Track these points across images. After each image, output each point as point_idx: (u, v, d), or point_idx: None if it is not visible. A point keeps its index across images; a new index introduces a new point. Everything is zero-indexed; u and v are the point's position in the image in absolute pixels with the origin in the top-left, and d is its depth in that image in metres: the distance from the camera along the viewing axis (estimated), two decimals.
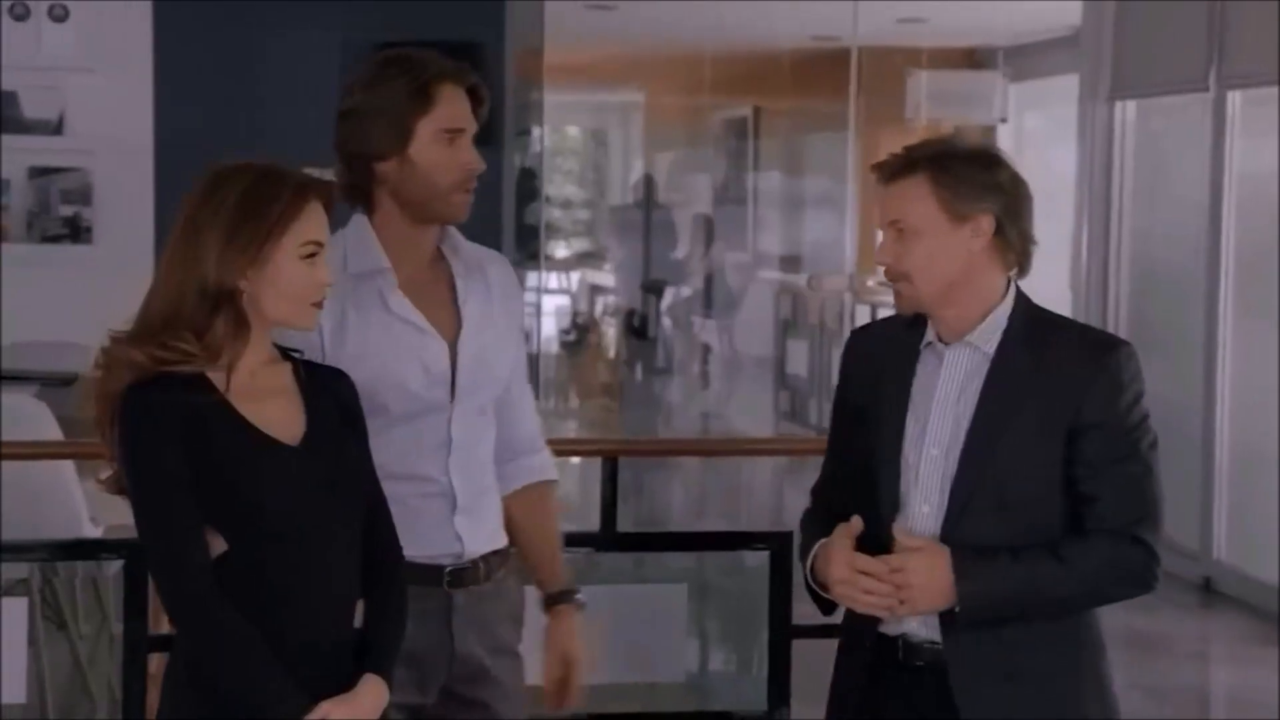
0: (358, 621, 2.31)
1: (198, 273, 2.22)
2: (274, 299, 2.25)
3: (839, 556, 2.37)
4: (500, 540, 2.66)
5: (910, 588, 2.33)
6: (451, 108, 2.52)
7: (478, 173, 2.56)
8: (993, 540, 2.36)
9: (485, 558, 2.61)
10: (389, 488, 2.49)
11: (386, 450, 2.51)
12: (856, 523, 2.39)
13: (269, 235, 2.22)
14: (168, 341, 2.21)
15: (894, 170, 2.40)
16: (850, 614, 2.47)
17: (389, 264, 2.54)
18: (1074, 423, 2.37)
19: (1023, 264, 2.44)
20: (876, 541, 2.40)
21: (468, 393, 2.57)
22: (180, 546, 2.20)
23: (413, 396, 2.53)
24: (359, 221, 2.58)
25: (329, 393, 2.34)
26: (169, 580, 2.22)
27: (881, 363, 2.47)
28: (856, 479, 2.46)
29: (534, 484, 2.72)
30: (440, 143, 2.51)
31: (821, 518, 2.49)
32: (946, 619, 2.37)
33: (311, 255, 2.26)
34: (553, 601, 2.69)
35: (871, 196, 11.86)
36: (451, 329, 2.57)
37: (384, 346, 2.53)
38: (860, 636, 2.45)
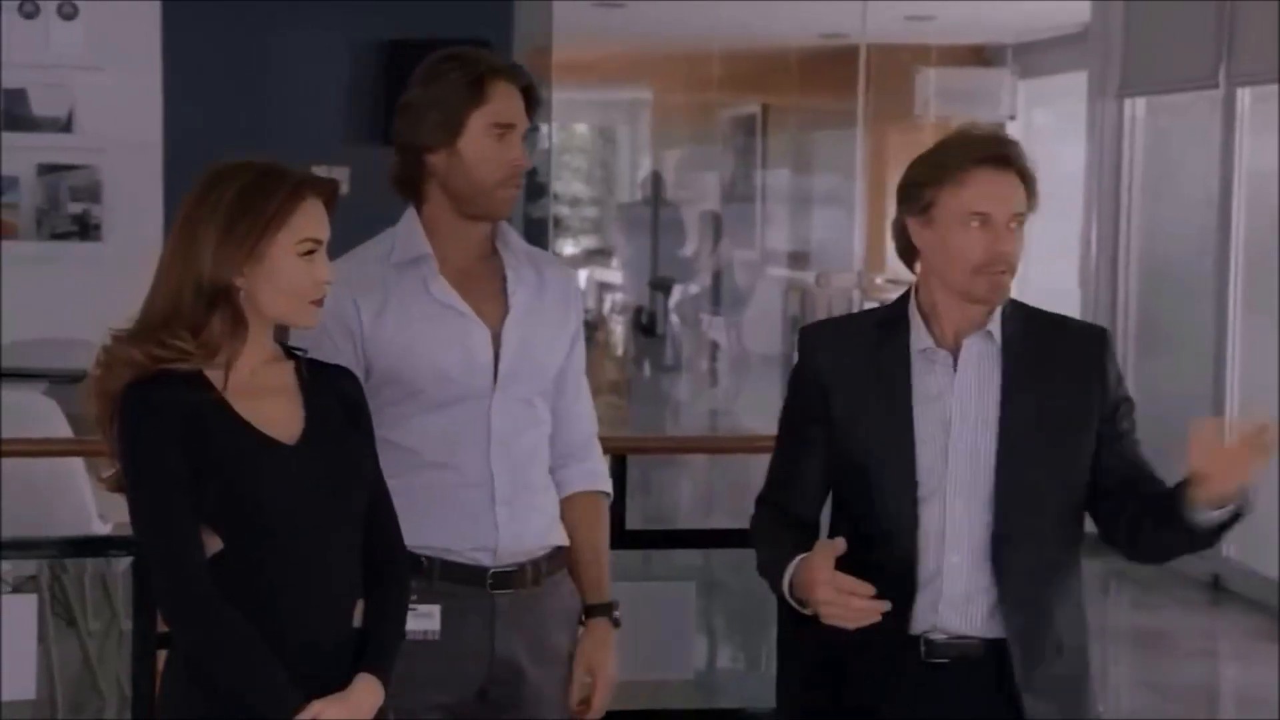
0: (358, 621, 2.29)
1: (195, 270, 2.22)
2: (271, 296, 2.24)
3: (822, 577, 2.33)
4: (554, 539, 2.63)
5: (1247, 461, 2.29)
6: (503, 103, 2.55)
7: (525, 170, 2.58)
8: (1032, 525, 2.40)
9: (535, 561, 2.59)
10: (429, 477, 2.50)
11: (426, 438, 2.52)
12: (840, 543, 2.36)
13: (265, 231, 2.21)
14: (165, 339, 2.21)
15: (1007, 159, 2.40)
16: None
17: (430, 250, 2.56)
18: (1100, 407, 2.45)
19: None
20: (876, 539, 2.41)
21: (509, 381, 2.57)
22: (178, 545, 2.19)
23: (452, 382, 2.53)
24: (408, 214, 2.61)
25: (332, 391, 2.33)
26: (166, 578, 2.21)
27: (862, 365, 2.46)
28: (845, 481, 2.45)
29: (581, 492, 2.69)
30: (490, 137, 2.53)
31: (785, 525, 2.48)
32: (1006, 607, 2.39)
33: (310, 253, 2.25)
34: (589, 614, 2.67)
35: (878, 193, 11.81)
36: (497, 318, 2.57)
37: (424, 331, 2.53)
38: (877, 636, 2.41)
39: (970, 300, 2.42)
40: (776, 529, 2.50)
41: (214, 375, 2.24)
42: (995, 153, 2.39)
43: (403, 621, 2.35)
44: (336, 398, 2.33)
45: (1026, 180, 2.41)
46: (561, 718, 2.64)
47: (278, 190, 2.23)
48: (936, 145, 2.47)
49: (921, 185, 2.42)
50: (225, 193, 2.23)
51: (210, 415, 2.22)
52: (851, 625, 2.35)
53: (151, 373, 2.21)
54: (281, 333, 2.34)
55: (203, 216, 2.23)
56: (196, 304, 2.22)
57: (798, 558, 2.40)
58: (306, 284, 2.25)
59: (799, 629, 2.55)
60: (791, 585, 2.41)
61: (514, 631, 2.56)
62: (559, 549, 2.64)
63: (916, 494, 2.41)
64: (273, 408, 2.26)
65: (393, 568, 2.34)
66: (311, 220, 2.25)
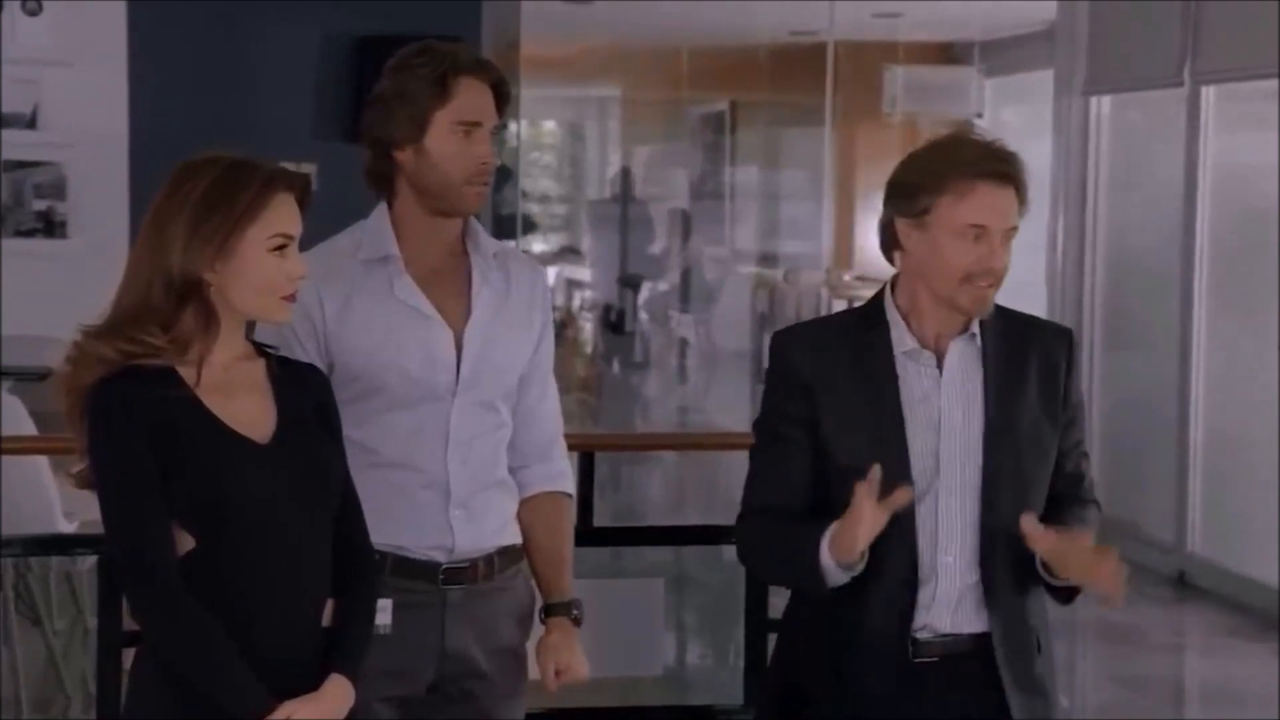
0: (327, 620, 2.28)
1: (165, 265, 2.19)
2: (242, 291, 2.22)
3: (868, 512, 2.31)
4: (508, 538, 2.63)
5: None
6: (469, 100, 2.53)
7: (493, 168, 2.57)
8: (1015, 523, 2.40)
9: (488, 556, 2.59)
10: (386, 475, 2.49)
11: (384, 437, 2.51)
12: (875, 472, 2.32)
13: (235, 226, 2.19)
14: (135, 335, 2.19)
15: (1007, 175, 2.42)
16: (868, 619, 2.43)
17: (397, 250, 2.55)
18: (1064, 406, 2.49)
19: None
20: (874, 543, 2.38)
21: (470, 384, 2.56)
22: (148, 542, 2.18)
23: (414, 382, 2.52)
24: (379, 209, 2.60)
25: (304, 389, 2.32)
26: (134, 575, 2.20)
27: (845, 368, 2.45)
28: (836, 485, 2.42)
29: (543, 493, 2.68)
30: (455, 134, 2.52)
31: (789, 519, 2.46)
32: (992, 603, 2.42)
33: (281, 247, 2.23)
34: (548, 613, 2.67)
35: (846, 190, 11.78)
36: (461, 319, 2.57)
37: (388, 331, 2.53)
38: (867, 636, 2.42)
39: (953, 309, 2.44)
40: (781, 525, 2.47)
41: (186, 372, 2.22)
42: (1000, 169, 2.41)
43: (371, 621, 2.34)
44: (308, 396, 2.31)
45: (1021, 194, 2.43)
46: (514, 711, 2.65)
47: (248, 185, 2.21)
48: (934, 148, 2.46)
49: (918, 188, 2.42)
50: (196, 187, 2.20)
51: (181, 412, 2.20)
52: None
53: (121, 369, 2.19)
54: (248, 327, 2.32)
55: (173, 211, 2.20)
56: (167, 299, 2.19)
57: (833, 524, 2.36)
58: (278, 279, 2.23)
59: (778, 626, 2.56)
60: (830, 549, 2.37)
61: (465, 626, 2.57)
62: (513, 546, 2.64)
63: (912, 495, 2.40)
64: (245, 406, 2.24)
65: (361, 568, 2.33)
66: (283, 215, 2.23)
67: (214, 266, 2.20)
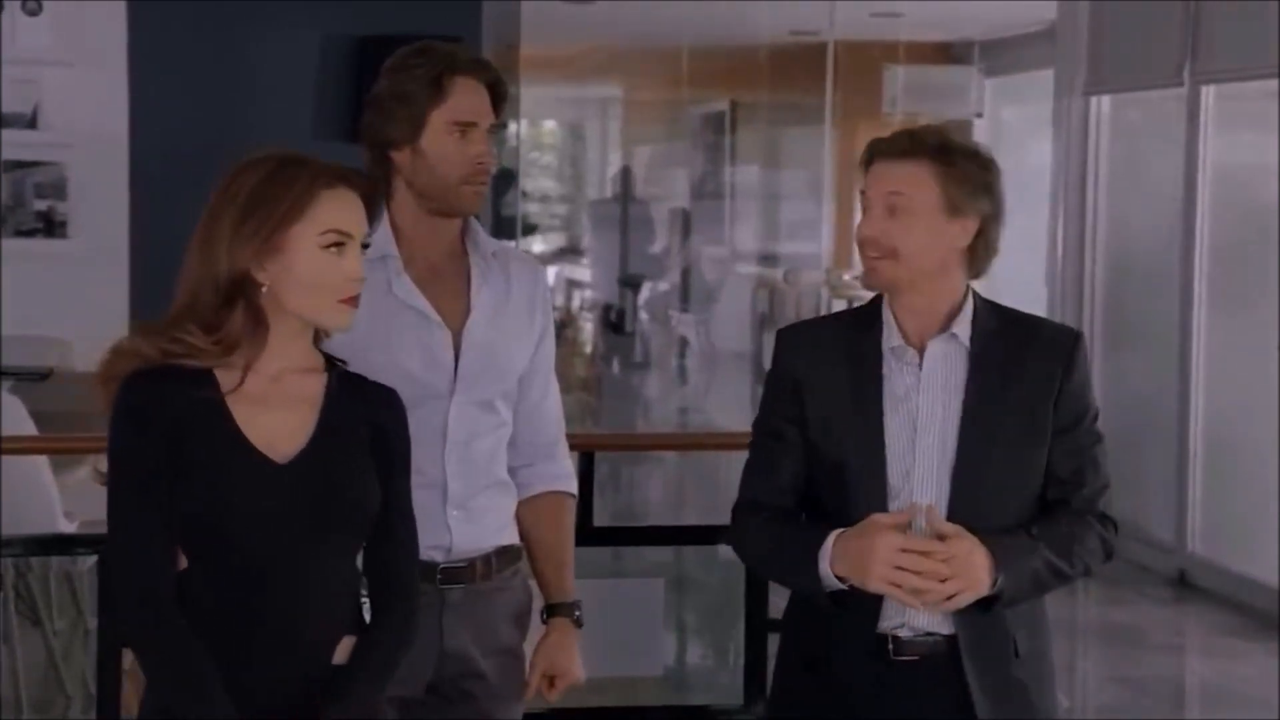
0: (343, 657, 2.15)
1: (212, 263, 2.11)
2: (292, 291, 2.10)
3: (883, 541, 2.31)
4: (506, 538, 2.62)
5: (961, 573, 2.31)
6: (464, 100, 2.53)
7: (490, 168, 2.57)
8: (993, 525, 2.39)
9: (486, 556, 2.58)
10: None
11: None
12: (907, 513, 2.34)
13: (281, 221, 2.09)
14: (177, 334, 2.10)
15: (902, 149, 2.41)
16: (849, 616, 2.42)
17: (396, 250, 2.55)
18: (1055, 411, 2.45)
19: (984, 271, 2.49)
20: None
21: (468, 383, 2.55)
22: (139, 542, 2.08)
23: (414, 381, 2.50)
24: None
25: (359, 407, 2.19)
26: (120, 574, 2.11)
27: (834, 364, 2.46)
28: (820, 480, 2.44)
29: (544, 493, 2.68)
30: (451, 135, 2.52)
31: (785, 518, 2.47)
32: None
33: (335, 245, 2.10)
34: (550, 613, 2.67)
35: (847, 190, 11.78)
36: (459, 319, 2.56)
37: (388, 330, 2.52)
38: (848, 634, 2.42)
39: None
40: (777, 526, 2.47)
41: (225, 376, 2.12)
42: (889, 141, 2.42)
43: (390, 661, 2.18)
44: (361, 415, 2.19)
45: (946, 175, 2.39)
46: (512, 712, 2.64)
47: (296, 179, 2.11)
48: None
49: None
50: (245, 183, 2.12)
51: (199, 417, 2.10)
52: (905, 597, 2.32)
53: (155, 366, 2.11)
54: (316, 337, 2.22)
55: (222, 208, 2.12)
56: (214, 299, 2.11)
57: (835, 532, 2.37)
58: (333, 278, 2.11)
59: (778, 626, 2.55)
60: (832, 560, 2.37)
61: (463, 625, 2.56)
62: (511, 546, 2.64)
63: (887, 492, 2.41)
64: (279, 419, 2.13)
65: (391, 602, 2.20)
66: (337, 211, 2.12)
67: (262, 264, 2.11)
